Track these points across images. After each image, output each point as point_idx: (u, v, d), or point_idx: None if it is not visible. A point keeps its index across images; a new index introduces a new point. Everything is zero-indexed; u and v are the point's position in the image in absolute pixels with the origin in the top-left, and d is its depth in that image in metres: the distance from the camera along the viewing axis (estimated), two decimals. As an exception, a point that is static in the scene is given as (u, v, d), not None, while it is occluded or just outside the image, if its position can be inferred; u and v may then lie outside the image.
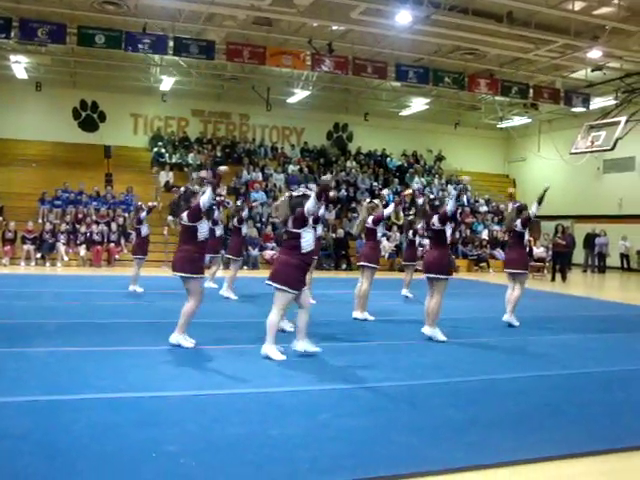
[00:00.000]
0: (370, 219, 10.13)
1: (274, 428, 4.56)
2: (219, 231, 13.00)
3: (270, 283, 6.80)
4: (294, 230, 6.82)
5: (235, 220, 12.92)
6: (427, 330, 8.35)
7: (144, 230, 12.96)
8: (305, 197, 6.87)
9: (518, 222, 10.20)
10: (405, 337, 8.34)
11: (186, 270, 7.33)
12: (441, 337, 8.26)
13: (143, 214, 12.91)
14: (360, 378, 6.13)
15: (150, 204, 13.36)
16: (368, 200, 11.35)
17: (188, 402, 5.20)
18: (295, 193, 7.12)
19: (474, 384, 6.14)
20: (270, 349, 6.71)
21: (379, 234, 10.31)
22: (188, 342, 7.34)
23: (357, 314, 9.91)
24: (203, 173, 8.06)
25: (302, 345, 6.86)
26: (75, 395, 5.21)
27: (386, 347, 7.82)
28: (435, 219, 8.44)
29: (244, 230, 13.16)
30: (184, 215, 7.51)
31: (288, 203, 6.94)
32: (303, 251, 6.77)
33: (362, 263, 10.15)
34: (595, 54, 19.49)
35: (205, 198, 7.36)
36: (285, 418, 4.83)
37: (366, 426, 4.71)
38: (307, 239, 6.76)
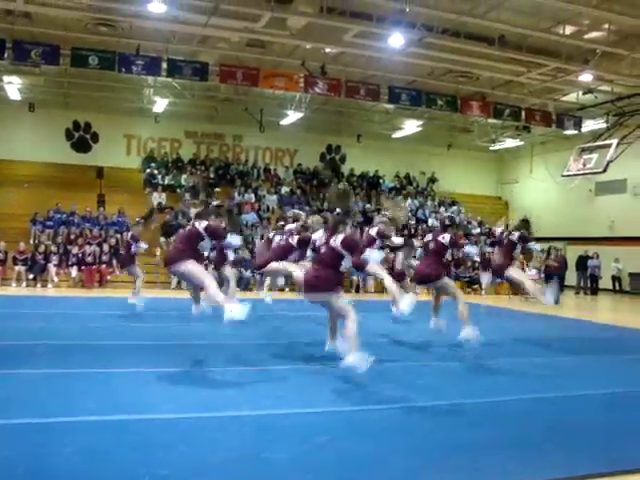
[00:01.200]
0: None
1: (267, 451, 4.49)
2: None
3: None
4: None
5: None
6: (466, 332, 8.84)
7: (134, 248, 13.10)
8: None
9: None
10: (402, 359, 8.28)
11: None
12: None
13: (133, 247, 13.14)
14: (356, 400, 6.06)
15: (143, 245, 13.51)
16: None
17: (179, 425, 5.11)
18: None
19: (472, 406, 6.08)
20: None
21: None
22: None
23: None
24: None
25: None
26: (65, 417, 5.12)
27: (382, 369, 7.74)
28: (447, 237, 9.05)
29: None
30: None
31: None
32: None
33: None
34: (586, 77, 19.68)
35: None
36: (279, 441, 4.75)
37: (363, 449, 4.64)
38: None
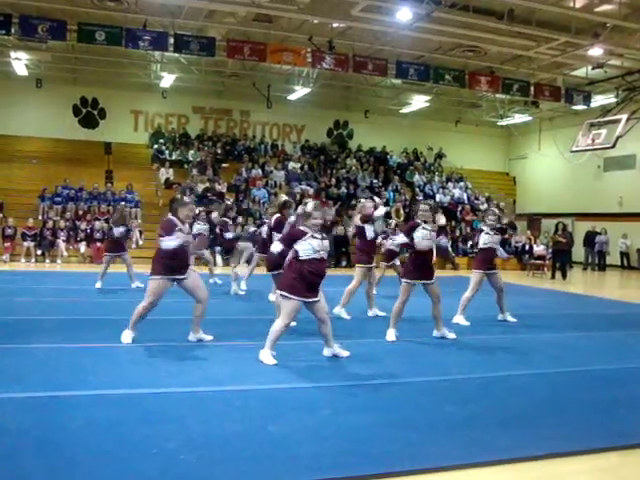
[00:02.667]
0: (358, 218, 9.86)
1: (273, 425, 4.56)
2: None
3: None
4: None
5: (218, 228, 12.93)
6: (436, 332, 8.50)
7: (117, 232, 13.03)
8: None
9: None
10: (404, 335, 8.32)
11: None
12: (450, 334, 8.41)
13: (120, 230, 13.05)
14: (359, 375, 6.12)
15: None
16: (365, 197, 11.12)
17: (188, 398, 5.19)
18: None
19: (473, 381, 6.13)
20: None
21: (369, 233, 9.75)
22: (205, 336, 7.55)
23: (336, 309, 9.63)
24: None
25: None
26: (75, 391, 5.20)
27: (384, 345, 7.81)
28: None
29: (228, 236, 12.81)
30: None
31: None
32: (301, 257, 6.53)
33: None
34: (596, 52, 19.46)
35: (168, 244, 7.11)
36: (284, 415, 4.83)
37: (365, 423, 4.71)
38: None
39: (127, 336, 7.28)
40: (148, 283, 7.37)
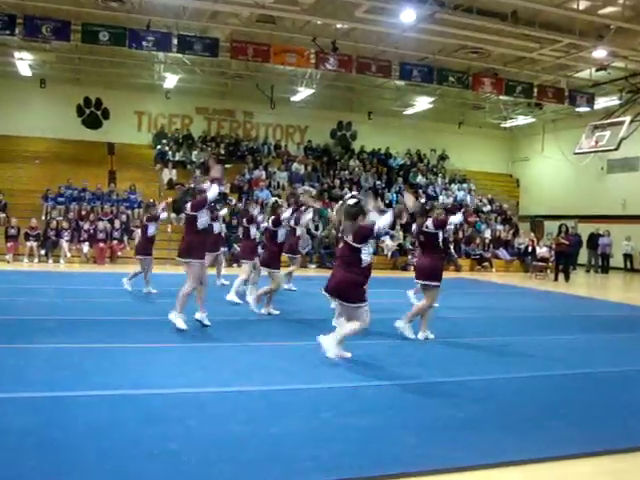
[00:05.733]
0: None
1: (276, 426, 4.55)
2: (217, 228, 12.87)
3: (327, 295, 6.85)
4: (355, 244, 6.51)
5: (245, 220, 11.87)
6: (399, 324, 8.34)
7: (151, 229, 12.27)
8: (361, 209, 6.57)
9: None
10: (406, 336, 8.30)
11: (185, 256, 8.11)
12: (410, 334, 8.25)
13: (164, 214, 12.60)
14: (361, 377, 6.11)
15: (164, 205, 12.87)
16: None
17: (190, 400, 5.18)
18: (350, 202, 6.75)
19: (476, 383, 6.12)
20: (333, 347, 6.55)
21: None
22: (181, 323, 8.00)
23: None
24: (215, 171, 7.88)
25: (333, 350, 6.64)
26: (77, 392, 5.20)
27: (387, 346, 7.79)
28: (429, 222, 8.27)
29: (253, 232, 11.61)
30: (187, 205, 8.16)
31: (344, 211, 6.71)
32: (363, 265, 6.53)
33: None
34: (600, 54, 19.44)
35: (212, 194, 8.05)
36: (287, 416, 4.82)
37: (368, 425, 4.70)
38: (367, 253, 6.57)
39: (180, 321, 7.98)
40: (190, 268, 8.02)
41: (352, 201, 6.67)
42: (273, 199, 10.81)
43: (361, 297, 6.50)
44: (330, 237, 21.31)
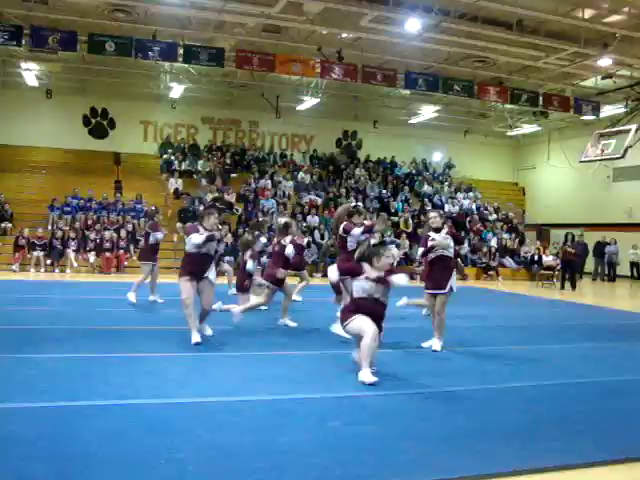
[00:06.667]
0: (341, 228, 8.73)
1: (283, 436, 4.53)
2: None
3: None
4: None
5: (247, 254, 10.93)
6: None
7: (152, 238, 11.95)
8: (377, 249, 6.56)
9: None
10: (414, 345, 8.29)
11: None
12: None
13: (160, 235, 12.09)
14: (369, 386, 6.08)
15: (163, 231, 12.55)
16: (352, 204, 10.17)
17: (197, 409, 5.17)
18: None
19: (484, 393, 6.09)
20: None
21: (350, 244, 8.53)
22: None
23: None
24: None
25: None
26: (84, 401, 5.19)
27: (395, 355, 7.77)
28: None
29: (249, 266, 10.77)
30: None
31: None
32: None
33: None
34: (605, 62, 19.47)
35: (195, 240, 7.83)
36: (294, 426, 4.80)
37: (376, 434, 4.67)
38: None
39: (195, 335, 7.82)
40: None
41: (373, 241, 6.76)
42: (283, 220, 10.41)
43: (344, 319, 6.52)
44: (335, 246, 21.33)
